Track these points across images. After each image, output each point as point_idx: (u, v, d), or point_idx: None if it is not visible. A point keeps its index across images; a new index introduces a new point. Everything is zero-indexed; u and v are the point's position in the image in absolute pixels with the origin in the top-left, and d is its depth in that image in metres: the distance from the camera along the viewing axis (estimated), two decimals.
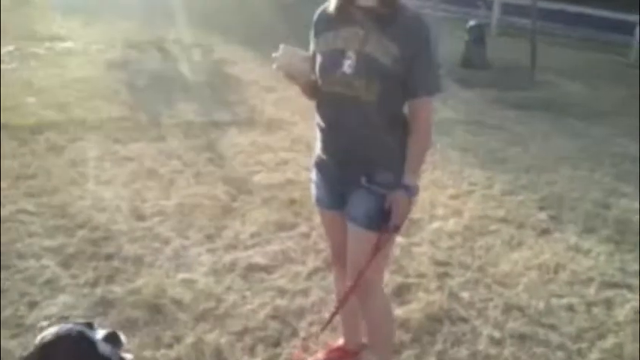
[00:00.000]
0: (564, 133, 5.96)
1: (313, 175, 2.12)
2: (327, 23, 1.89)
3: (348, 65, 1.81)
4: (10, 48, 7.90)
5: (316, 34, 1.94)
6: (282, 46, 1.87)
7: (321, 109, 1.97)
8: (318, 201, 2.14)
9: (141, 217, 3.49)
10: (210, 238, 3.32)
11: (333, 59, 1.84)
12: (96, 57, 7.66)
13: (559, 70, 9.19)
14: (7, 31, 8.93)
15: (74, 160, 4.29)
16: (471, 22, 9.05)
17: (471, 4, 12.83)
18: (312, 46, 1.98)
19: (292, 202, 3.82)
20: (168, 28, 9.61)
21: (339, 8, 1.86)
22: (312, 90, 1.96)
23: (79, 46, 8.26)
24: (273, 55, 1.86)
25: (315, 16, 1.97)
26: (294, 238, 3.36)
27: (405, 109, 1.92)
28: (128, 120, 5.24)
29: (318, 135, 2.02)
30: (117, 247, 3.15)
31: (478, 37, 8.81)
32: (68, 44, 8.40)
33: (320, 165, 2.07)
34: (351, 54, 1.81)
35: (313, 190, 2.15)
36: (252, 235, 3.37)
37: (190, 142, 4.82)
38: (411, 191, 1.87)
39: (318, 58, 1.90)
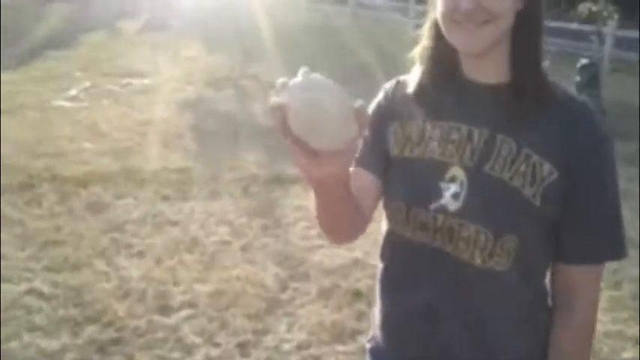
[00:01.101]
0: None
1: None
2: (413, 108, 1.03)
3: (451, 195, 0.96)
4: (87, 84, 7.76)
5: (385, 121, 1.05)
6: (304, 71, 0.76)
7: (390, 264, 1.09)
8: None
9: (166, 310, 2.83)
10: (244, 347, 2.60)
11: (422, 179, 1.00)
12: (169, 96, 7.32)
13: None
14: (92, 68, 8.91)
15: (113, 222, 3.75)
16: (583, 61, 7.93)
17: (581, 38, 11.61)
18: (361, 143, 0.97)
19: (357, 295, 3.03)
20: (250, 63, 9.23)
21: (436, 85, 1.00)
22: (335, 197, 0.87)
23: (155, 83, 8.00)
24: (280, 83, 0.75)
25: (390, 88, 1.09)
26: (353, 357, 2.56)
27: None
28: (184, 172, 4.70)
29: (378, 304, 1.13)
30: (126, 357, 2.49)
31: (591, 78, 7.66)
32: (146, 81, 8.19)
33: (379, 357, 1.15)
34: (457, 173, 0.97)
35: None
36: (299, 347, 2.61)
37: (246, 203, 4.17)
38: None
39: (393, 172, 1.03)
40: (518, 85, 0.95)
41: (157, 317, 2.77)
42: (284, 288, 3.09)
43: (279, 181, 4.62)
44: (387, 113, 1.07)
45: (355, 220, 1.02)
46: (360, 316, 2.86)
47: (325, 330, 2.74)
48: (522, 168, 0.94)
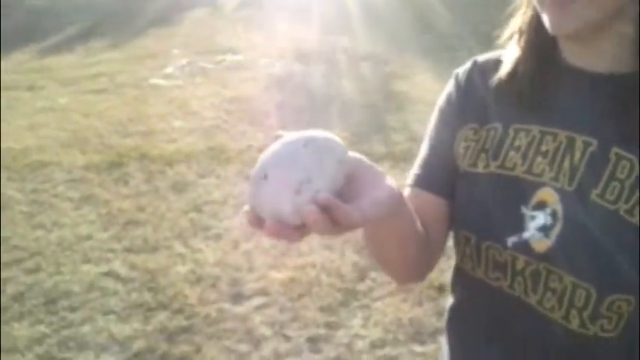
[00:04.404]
0: None
1: None
2: (492, 104, 0.78)
3: (537, 227, 0.70)
4: (183, 62, 7.88)
5: (455, 122, 0.82)
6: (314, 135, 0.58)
7: (459, 305, 0.87)
8: None
9: (238, 299, 2.73)
10: (315, 342, 2.44)
11: (497, 204, 0.74)
12: (260, 71, 7.27)
13: None
14: (189, 45, 9.06)
15: (194, 202, 3.72)
16: None
17: None
18: (426, 146, 0.86)
19: (440, 289, 2.77)
20: (342, 35, 8.99)
21: (526, 75, 0.74)
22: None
23: (247, 59, 7.98)
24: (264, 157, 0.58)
25: (463, 75, 0.83)
26: None
27: None
28: None
29: (444, 350, 0.91)
30: (194, 346, 2.42)
31: None
32: (239, 57, 8.19)
33: None
34: (548, 198, 0.70)
35: None
36: (373, 345, 2.42)
37: None
38: None
39: (461, 192, 0.80)
40: None
41: (227, 305, 2.68)
42: (362, 278, 2.89)
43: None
44: (458, 111, 0.82)
45: (420, 258, 0.79)
46: (443, 313, 2.59)
47: (402, 327, 2.52)
48: None
